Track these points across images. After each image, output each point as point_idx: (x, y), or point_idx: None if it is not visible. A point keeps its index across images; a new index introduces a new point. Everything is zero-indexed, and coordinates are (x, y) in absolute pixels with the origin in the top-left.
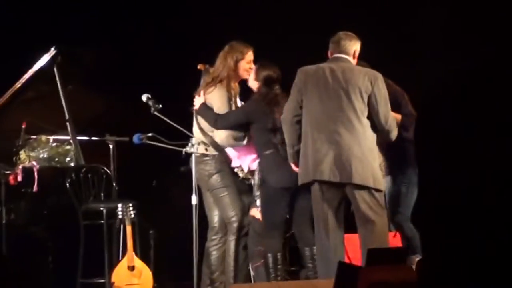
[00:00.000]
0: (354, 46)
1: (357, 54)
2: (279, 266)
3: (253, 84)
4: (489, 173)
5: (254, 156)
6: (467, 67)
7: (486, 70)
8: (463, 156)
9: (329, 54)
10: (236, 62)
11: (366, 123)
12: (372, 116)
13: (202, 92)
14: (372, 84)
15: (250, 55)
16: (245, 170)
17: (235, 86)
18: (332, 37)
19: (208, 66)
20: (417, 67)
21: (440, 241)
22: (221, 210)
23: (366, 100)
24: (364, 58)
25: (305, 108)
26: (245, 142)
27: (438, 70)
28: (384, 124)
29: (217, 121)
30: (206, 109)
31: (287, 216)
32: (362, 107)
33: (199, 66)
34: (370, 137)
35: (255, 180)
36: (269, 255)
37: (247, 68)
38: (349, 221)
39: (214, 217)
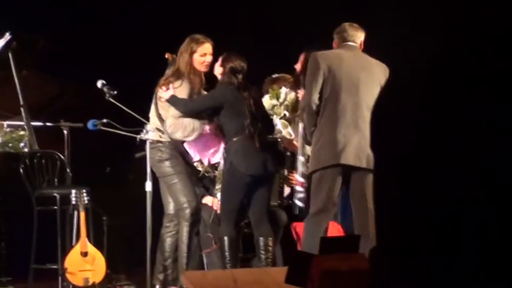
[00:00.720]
0: (361, 36)
1: (363, 45)
2: (234, 252)
3: (218, 71)
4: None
5: (213, 149)
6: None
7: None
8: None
9: (334, 45)
10: (191, 55)
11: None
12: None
13: (171, 85)
14: (384, 77)
15: (203, 49)
16: (205, 163)
17: (197, 79)
18: (338, 28)
19: (175, 56)
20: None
21: (392, 230)
22: (172, 197)
23: (378, 91)
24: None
25: (330, 93)
26: (194, 137)
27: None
28: None
29: (186, 105)
30: (175, 97)
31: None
32: (374, 97)
33: (167, 55)
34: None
35: (220, 166)
36: (225, 238)
37: (202, 61)
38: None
39: (169, 204)
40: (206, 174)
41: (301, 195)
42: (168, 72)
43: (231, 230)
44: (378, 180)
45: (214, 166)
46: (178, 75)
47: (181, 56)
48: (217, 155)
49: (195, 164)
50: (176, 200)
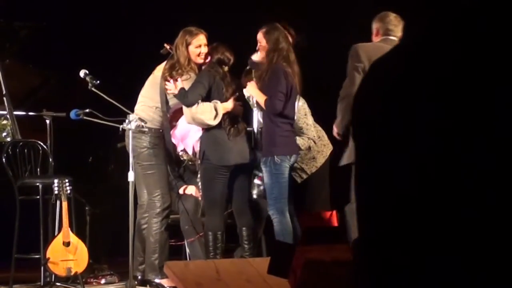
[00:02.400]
0: (401, 30)
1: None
2: (218, 245)
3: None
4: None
5: (197, 137)
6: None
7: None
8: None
9: (375, 34)
10: (186, 48)
11: None
12: None
13: (179, 79)
14: None
15: (198, 40)
16: (190, 152)
17: (194, 72)
18: (380, 16)
19: (171, 47)
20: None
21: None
22: (147, 186)
23: None
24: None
25: None
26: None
27: None
28: None
29: (187, 97)
30: (180, 90)
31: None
32: None
33: (166, 45)
34: None
35: (197, 156)
36: (209, 233)
37: (197, 52)
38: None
39: (144, 194)
40: (190, 163)
41: (261, 188)
42: (168, 64)
43: (216, 222)
44: None
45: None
46: (177, 65)
47: (178, 49)
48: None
49: (180, 153)
50: (149, 190)
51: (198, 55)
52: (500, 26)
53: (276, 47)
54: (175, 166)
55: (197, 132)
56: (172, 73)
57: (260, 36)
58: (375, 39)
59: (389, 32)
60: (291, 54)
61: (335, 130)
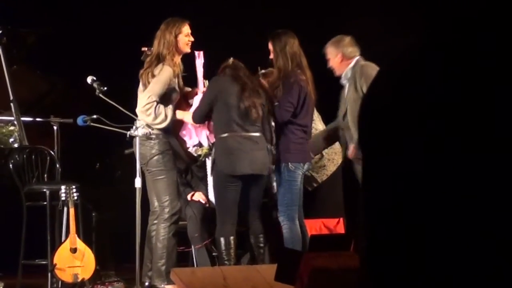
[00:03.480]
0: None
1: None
2: (231, 250)
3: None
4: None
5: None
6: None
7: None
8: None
9: (341, 57)
10: (176, 37)
11: None
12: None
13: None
14: None
15: (187, 28)
16: (205, 143)
17: (178, 62)
18: (344, 39)
19: (148, 48)
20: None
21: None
22: (156, 192)
23: None
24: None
25: None
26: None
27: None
28: None
29: (194, 115)
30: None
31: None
32: None
33: (143, 49)
34: None
35: (209, 161)
36: (221, 239)
37: (186, 41)
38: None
39: (155, 201)
40: (208, 158)
41: None
42: (147, 61)
43: (228, 229)
44: None
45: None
46: (157, 60)
47: (161, 40)
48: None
49: (194, 149)
50: (158, 196)
51: (187, 43)
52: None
53: (284, 52)
54: (182, 173)
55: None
56: (151, 70)
57: (269, 43)
58: (346, 63)
59: (356, 53)
60: (303, 59)
61: (353, 153)
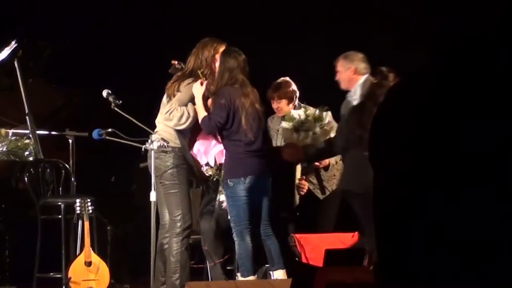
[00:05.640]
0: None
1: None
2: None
3: None
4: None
5: (220, 147)
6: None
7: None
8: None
9: (353, 71)
10: (214, 55)
11: None
12: None
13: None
14: None
15: (223, 49)
16: (212, 164)
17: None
18: (358, 54)
19: (179, 62)
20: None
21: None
22: (168, 206)
23: None
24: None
25: None
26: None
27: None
28: None
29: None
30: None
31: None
32: None
33: (173, 62)
34: None
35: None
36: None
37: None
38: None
39: (166, 214)
40: (215, 179)
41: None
42: (178, 76)
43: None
44: None
45: (220, 167)
46: (189, 75)
47: (198, 57)
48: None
49: (205, 168)
50: (171, 210)
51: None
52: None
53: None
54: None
55: (218, 142)
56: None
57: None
58: (356, 78)
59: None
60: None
61: None
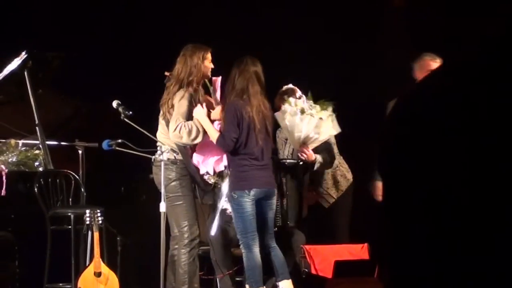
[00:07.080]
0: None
1: None
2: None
3: None
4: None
5: (217, 157)
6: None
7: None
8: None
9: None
10: (203, 61)
11: None
12: None
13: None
14: None
15: (210, 55)
16: (211, 172)
17: (199, 87)
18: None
19: (171, 72)
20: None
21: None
22: (174, 217)
23: None
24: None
25: None
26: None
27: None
28: None
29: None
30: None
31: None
32: None
33: (166, 73)
34: None
35: (226, 171)
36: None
37: (210, 67)
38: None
39: (175, 226)
40: (218, 186)
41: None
42: (168, 85)
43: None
44: None
45: (220, 175)
46: (179, 85)
47: (186, 64)
48: (221, 164)
49: (206, 177)
50: (177, 222)
51: (209, 70)
52: None
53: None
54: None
55: (215, 152)
56: (170, 98)
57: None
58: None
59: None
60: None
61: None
